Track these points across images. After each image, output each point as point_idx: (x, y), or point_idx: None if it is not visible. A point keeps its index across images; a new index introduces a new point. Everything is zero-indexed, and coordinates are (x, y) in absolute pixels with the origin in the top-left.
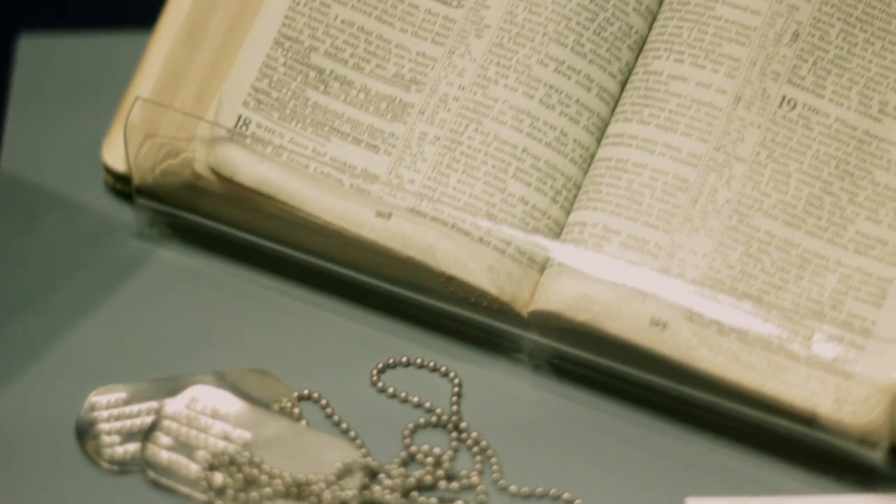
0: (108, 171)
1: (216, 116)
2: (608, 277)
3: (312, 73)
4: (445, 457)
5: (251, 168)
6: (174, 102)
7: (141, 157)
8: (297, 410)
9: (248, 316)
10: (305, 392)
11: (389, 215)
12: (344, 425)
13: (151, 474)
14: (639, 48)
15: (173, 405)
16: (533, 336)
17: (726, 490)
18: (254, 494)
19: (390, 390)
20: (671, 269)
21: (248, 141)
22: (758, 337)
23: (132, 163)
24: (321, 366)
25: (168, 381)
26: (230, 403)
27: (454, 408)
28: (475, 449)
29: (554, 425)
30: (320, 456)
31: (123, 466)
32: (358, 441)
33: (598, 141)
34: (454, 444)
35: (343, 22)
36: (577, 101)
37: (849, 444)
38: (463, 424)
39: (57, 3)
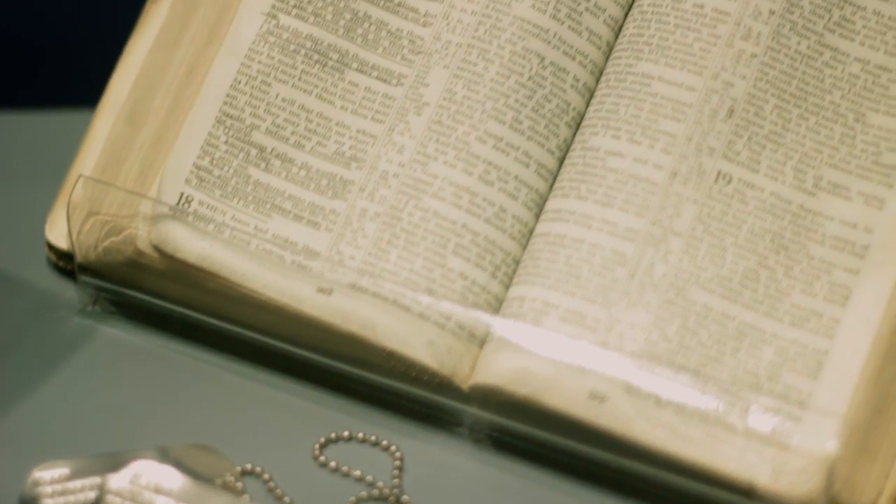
0: (52, 248)
1: (158, 194)
2: (547, 352)
3: (254, 151)
4: None
5: (193, 245)
6: (117, 180)
7: (84, 235)
8: (240, 485)
9: (191, 391)
10: (248, 467)
11: (331, 291)
12: (287, 500)
13: None
14: (576, 124)
15: (117, 481)
16: (473, 410)
17: None
18: None
19: (332, 465)
20: (610, 343)
21: (190, 218)
22: (696, 409)
23: (75, 240)
24: (264, 441)
25: (111, 457)
26: (173, 479)
27: (396, 482)
28: None
29: (495, 498)
30: None
31: None
32: None
33: (537, 216)
34: None
35: (284, 100)
36: (516, 177)
37: None
38: (405, 498)
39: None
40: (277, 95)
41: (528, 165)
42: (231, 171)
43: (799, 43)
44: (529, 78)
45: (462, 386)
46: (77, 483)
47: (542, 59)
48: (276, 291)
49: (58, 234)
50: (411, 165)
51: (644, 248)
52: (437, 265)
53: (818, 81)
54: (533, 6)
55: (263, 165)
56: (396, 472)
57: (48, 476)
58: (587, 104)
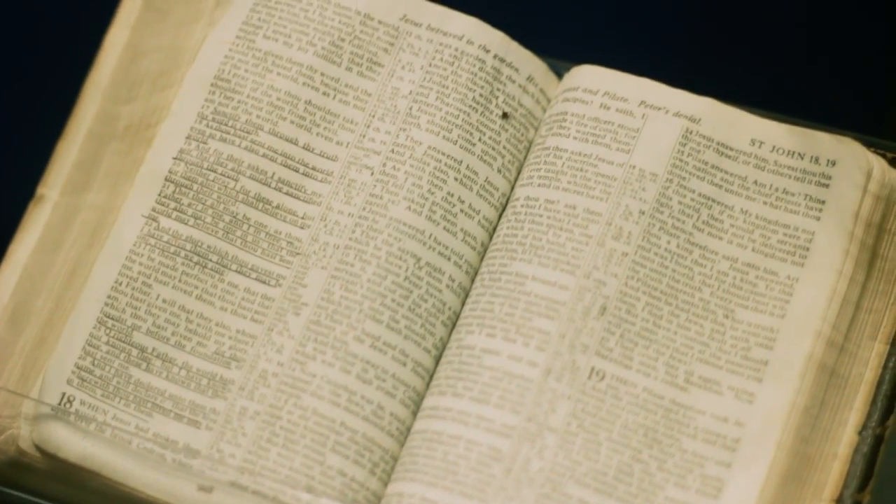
0: None
1: (40, 394)
2: None
3: (135, 352)
4: None
5: (75, 444)
6: None
7: None
8: None
9: None
10: None
11: (211, 489)
12: None
13: None
14: (452, 323)
15: None
16: None
17: None
18: None
19: None
20: None
21: (71, 418)
22: None
23: None
24: None
25: None
26: None
27: None
28: None
29: None
30: None
31: None
32: None
33: (415, 413)
34: None
35: (164, 301)
36: (393, 375)
37: None
38: None
39: None
40: (158, 297)
41: (405, 364)
42: (112, 371)
43: (669, 242)
44: (406, 278)
45: None
46: None
47: (418, 259)
48: (157, 490)
49: None
50: (290, 365)
51: (520, 443)
52: (317, 462)
53: (688, 279)
54: (409, 208)
55: (144, 365)
56: None
57: None
58: (463, 303)
